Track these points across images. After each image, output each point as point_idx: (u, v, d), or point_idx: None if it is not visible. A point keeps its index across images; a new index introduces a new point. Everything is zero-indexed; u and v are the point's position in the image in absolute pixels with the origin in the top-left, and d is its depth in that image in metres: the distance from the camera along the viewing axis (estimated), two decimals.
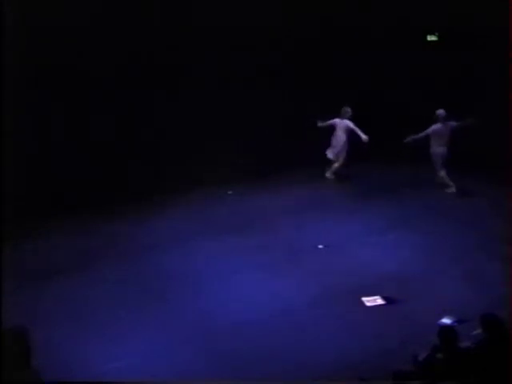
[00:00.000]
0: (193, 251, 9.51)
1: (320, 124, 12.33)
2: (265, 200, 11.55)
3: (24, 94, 10.19)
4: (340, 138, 12.26)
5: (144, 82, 11.36)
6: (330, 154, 12.39)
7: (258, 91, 12.51)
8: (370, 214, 10.87)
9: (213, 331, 7.34)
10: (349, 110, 12.17)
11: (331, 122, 12.32)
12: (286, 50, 12.66)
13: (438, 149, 11.67)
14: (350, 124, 12.13)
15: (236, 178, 12.28)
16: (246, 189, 12.06)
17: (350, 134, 12.14)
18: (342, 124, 12.23)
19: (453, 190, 11.81)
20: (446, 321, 7.28)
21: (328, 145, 12.43)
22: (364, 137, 11.89)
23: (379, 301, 7.91)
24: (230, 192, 11.94)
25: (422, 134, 11.60)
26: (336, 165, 12.48)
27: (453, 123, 11.68)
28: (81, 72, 10.76)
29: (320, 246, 9.55)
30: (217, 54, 12.00)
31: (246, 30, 12.26)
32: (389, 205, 11.40)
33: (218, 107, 12.16)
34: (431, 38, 13.35)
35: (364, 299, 7.94)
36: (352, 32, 12.96)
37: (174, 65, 11.63)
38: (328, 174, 12.62)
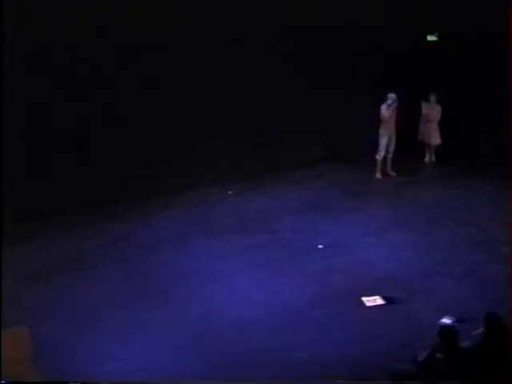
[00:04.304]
0: (193, 251, 9.52)
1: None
2: (265, 200, 11.56)
3: (21, 92, 10.17)
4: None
5: (144, 81, 11.33)
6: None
7: (256, 92, 12.50)
8: (370, 213, 10.88)
9: (213, 331, 7.34)
10: (394, 95, 12.31)
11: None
12: (288, 50, 12.64)
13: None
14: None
15: (236, 178, 12.30)
16: (245, 189, 12.07)
17: None
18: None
19: (378, 175, 12.64)
20: (446, 321, 7.28)
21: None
22: None
23: (379, 301, 7.91)
24: (230, 192, 11.94)
25: None
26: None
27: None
28: (80, 69, 10.72)
29: (320, 246, 9.55)
30: (218, 52, 11.96)
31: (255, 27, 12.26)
32: (389, 205, 11.43)
33: (219, 107, 12.14)
34: (431, 38, 13.34)
35: (364, 299, 7.94)
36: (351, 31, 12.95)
37: (175, 64, 11.60)
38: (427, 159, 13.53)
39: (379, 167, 12.68)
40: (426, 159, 13.58)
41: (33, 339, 5.89)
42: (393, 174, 12.81)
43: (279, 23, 12.36)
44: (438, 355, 5.63)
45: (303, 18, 12.43)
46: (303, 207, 11.20)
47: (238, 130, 12.46)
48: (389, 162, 12.75)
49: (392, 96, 12.26)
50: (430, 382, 5.53)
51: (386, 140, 12.51)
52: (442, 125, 13.16)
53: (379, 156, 12.61)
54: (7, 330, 5.63)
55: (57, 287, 8.45)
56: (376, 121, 12.42)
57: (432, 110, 13.07)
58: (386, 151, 12.62)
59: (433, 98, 13.05)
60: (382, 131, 12.47)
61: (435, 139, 13.19)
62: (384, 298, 7.95)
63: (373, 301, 7.91)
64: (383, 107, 12.26)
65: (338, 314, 7.66)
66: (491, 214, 10.56)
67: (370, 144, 12.62)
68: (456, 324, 7.03)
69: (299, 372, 6.51)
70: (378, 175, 12.72)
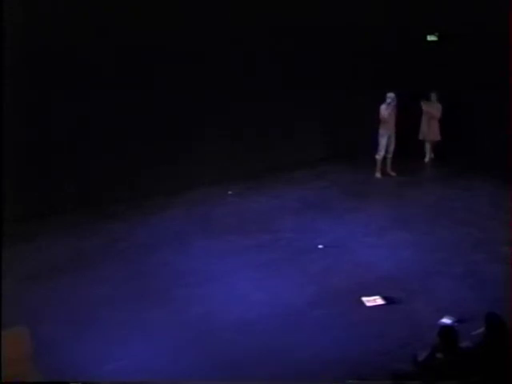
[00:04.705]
0: (193, 251, 9.52)
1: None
2: (265, 200, 11.56)
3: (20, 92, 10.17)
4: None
5: (144, 81, 11.33)
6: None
7: (256, 92, 12.50)
8: (370, 213, 10.88)
9: (213, 331, 7.34)
10: (392, 95, 12.34)
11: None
12: (288, 50, 12.64)
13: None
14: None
15: (236, 178, 12.30)
16: (245, 189, 12.07)
17: None
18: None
19: (378, 175, 12.65)
20: (446, 321, 7.28)
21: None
22: None
23: (379, 301, 7.91)
24: (230, 192, 11.94)
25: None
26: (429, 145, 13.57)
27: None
28: (79, 68, 10.72)
29: (320, 246, 9.55)
30: (218, 52, 11.96)
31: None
32: (389, 205, 11.42)
33: (219, 107, 12.14)
34: (431, 38, 13.36)
35: (364, 299, 7.94)
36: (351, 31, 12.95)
37: (175, 64, 11.60)
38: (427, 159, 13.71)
39: (379, 167, 12.68)
40: (426, 159, 13.62)
41: (33, 339, 5.89)
42: (393, 173, 12.81)
43: (279, 23, 12.35)
44: (438, 355, 5.63)
45: (303, 18, 12.42)
46: (303, 207, 11.20)
47: (238, 129, 12.47)
48: (389, 161, 12.76)
49: (391, 95, 12.28)
50: (430, 382, 5.53)
51: (385, 140, 12.52)
52: (443, 124, 13.21)
53: (379, 156, 12.61)
54: (7, 329, 5.62)
55: (57, 287, 8.45)
56: (376, 121, 12.42)
57: (433, 108, 13.20)
58: (386, 151, 12.62)
59: (433, 96, 13.20)
60: (381, 131, 12.48)
61: (435, 136, 13.37)
62: (384, 297, 7.95)
63: (373, 301, 7.91)
64: (382, 107, 12.28)
65: (337, 314, 7.66)
66: (491, 214, 10.56)
67: (370, 144, 12.63)
68: (456, 324, 7.03)
69: (299, 372, 6.51)
70: (378, 175, 12.73)
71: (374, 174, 12.70)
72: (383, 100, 12.32)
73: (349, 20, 12.83)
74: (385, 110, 12.28)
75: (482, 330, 5.91)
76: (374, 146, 12.59)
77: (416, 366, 5.79)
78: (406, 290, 8.17)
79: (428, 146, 13.58)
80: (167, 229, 10.36)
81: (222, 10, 11.81)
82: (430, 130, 13.35)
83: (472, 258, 9.06)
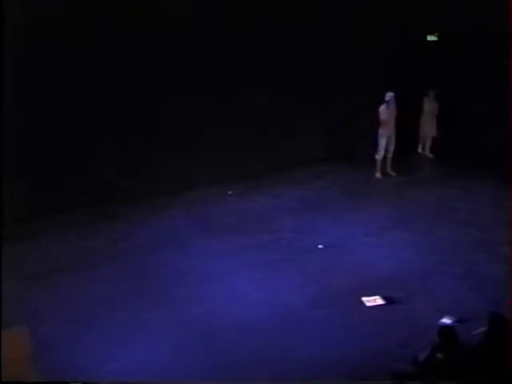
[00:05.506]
0: (193, 251, 9.52)
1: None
2: (265, 200, 11.56)
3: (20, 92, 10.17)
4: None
5: (144, 81, 11.33)
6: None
7: (256, 92, 12.49)
8: (370, 213, 10.88)
9: (213, 331, 7.34)
10: (391, 94, 12.39)
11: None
12: (288, 50, 12.63)
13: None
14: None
15: (236, 178, 12.29)
16: (245, 189, 12.07)
17: None
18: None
19: (378, 175, 12.69)
20: (446, 321, 7.29)
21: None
22: None
23: (379, 301, 7.92)
24: (230, 192, 11.94)
25: None
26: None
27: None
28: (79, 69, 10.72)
29: (320, 246, 9.55)
30: (218, 52, 11.96)
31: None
32: (389, 205, 11.42)
33: (219, 106, 12.14)
34: (431, 38, 13.37)
35: (364, 299, 7.95)
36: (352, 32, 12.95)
37: (175, 64, 11.60)
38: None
39: (379, 167, 12.68)
40: (427, 154, 13.78)
41: (33, 339, 5.89)
42: (393, 173, 12.81)
43: (279, 23, 12.34)
44: (438, 355, 5.63)
45: (303, 18, 12.42)
46: (303, 207, 11.20)
47: (238, 130, 12.46)
48: (389, 161, 12.76)
49: (390, 94, 12.28)
50: (430, 382, 5.53)
51: (385, 140, 12.52)
52: (442, 122, 13.30)
53: (379, 156, 12.62)
54: (7, 329, 5.63)
55: (57, 287, 8.45)
56: (376, 121, 12.42)
57: (433, 106, 13.45)
58: (386, 151, 12.62)
59: (432, 94, 13.41)
60: (381, 131, 12.48)
61: (434, 131, 13.59)
62: (384, 297, 7.95)
63: (373, 301, 7.92)
64: (382, 108, 12.27)
65: (337, 314, 7.67)
66: (491, 214, 10.56)
67: (370, 144, 12.63)
68: (456, 324, 7.04)
69: (299, 372, 6.51)
70: (378, 175, 12.73)
71: (374, 174, 12.70)
72: (383, 100, 12.31)
73: (349, 20, 12.82)
74: (384, 111, 12.27)
75: (483, 329, 5.91)
76: (374, 146, 12.59)
77: (416, 366, 5.79)
78: (406, 290, 8.17)
79: (428, 144, 13.69)
80: (167, 229, 10.36)
81: (221, 10, 11.81)
82: (428, 127, 13.54)
83: (472, 257, 9.06)
